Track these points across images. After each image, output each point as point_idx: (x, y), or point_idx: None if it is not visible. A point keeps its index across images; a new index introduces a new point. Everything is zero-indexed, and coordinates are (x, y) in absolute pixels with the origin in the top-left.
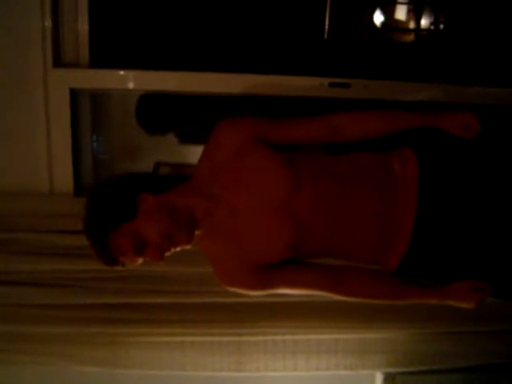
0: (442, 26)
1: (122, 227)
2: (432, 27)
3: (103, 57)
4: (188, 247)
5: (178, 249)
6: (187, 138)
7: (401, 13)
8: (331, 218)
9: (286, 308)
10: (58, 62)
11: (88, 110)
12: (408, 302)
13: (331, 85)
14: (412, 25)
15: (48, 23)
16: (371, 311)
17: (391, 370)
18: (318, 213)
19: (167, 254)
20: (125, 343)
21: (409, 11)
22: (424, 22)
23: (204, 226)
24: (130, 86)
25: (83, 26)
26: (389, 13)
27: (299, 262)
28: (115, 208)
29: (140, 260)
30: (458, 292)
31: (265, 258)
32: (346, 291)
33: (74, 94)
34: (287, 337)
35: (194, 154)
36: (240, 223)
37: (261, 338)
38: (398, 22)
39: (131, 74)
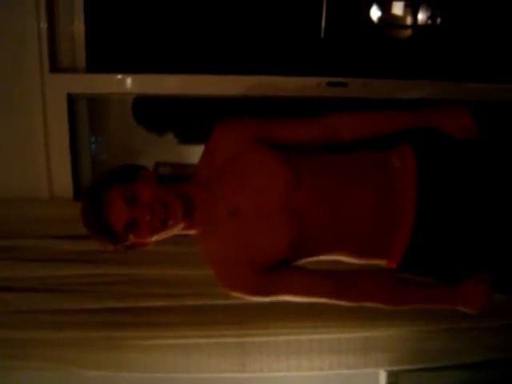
0: (438, 21)
1: (118, 184)
2: (429, 22)
3: (100, 61)
4: (184, 230)
5: (171, 223)
6: (186, 139)
7: (398, 8)
8: (331, 214)
9: (289, 309)
10: (55, 68)
11: (86, 114)
12: (413, 306)
13: (329, 84)
14: (409, 20)
15: (44, 27)
16: (373, 310)
17: (394, 367)
18: (318, 209)
19: (159, 229)
20: (129, 347)
21: (406, 6)
22: (421, 17)
23: (202, 223)
24: (128, 89)
25: (79, 31)
26: (385, 8)
27: (300, 268)
28: (115, 173)
29: (131, 236)
30: (466, 291)
31: (266, 258)
32: (349, 296)
33: (72, 99)
34: (290, 337)
35: (193, 154)
36: (241, 223)
37: (264, 338)
38: (395, 17)
39: (128, 77)
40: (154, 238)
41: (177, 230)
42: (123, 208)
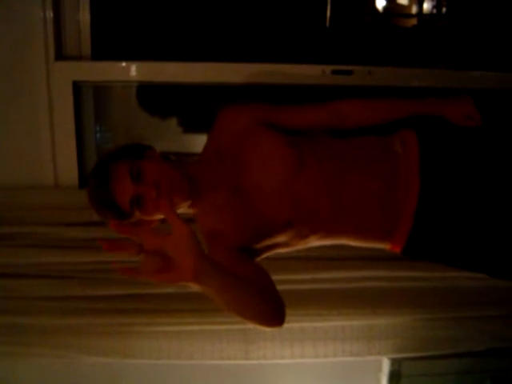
0: (444, 10)
1: (125, 161)
2: (434, 11)
3: (105, 49)
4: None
5: (177, 200)
6: (191, 127)
7: None
8: (334, 198)
9: (292, 296)
10: (60, 55)
11: (91, 102)
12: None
13: (334, 72)
14: (414, 9)
15: (49, 16)
16: (377, 297)
17: (398, 355)
18: (320, 193)
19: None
20: (133, 333)
21: None
22: (426, 6)
23: (205, 201)
24: (133, 77)
25: (85, 19)
26: None
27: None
28: (122, 150)
29: (137, 213)
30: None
31: (257, 236)
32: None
33: (77, 87)
34: (294, 324)
35: (198, 143)
36: (242, 202)
37: None
38: (401, 6)
39: (133, 65)
40: (160, 215)
41: (181, 209)
42: (129, 184)
